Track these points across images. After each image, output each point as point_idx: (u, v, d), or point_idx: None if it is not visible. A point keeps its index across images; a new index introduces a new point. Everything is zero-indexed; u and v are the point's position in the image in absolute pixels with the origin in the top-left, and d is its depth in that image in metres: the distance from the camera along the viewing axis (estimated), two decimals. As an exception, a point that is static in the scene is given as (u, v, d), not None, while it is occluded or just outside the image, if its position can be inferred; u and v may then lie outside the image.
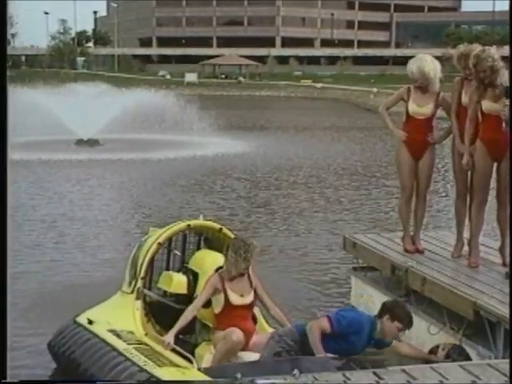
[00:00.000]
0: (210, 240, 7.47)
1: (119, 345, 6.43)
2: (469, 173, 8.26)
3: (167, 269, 7.43)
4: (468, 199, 8.45)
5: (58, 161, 24.62)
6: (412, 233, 8.84)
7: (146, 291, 7.17)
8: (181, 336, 6.86)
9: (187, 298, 7.02)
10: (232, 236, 7.24)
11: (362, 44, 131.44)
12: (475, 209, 8.12)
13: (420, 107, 8.47)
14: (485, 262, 8.11)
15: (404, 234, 8.86)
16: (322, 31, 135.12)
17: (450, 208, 14.80)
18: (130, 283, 7.18)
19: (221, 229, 7.36)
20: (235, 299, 6.46)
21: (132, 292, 7.10)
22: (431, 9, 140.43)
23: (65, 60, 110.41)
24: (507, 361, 5.65)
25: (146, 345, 6.48)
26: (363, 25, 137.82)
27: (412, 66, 8.44)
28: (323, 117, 49.38)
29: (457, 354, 6.70)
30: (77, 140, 29.61)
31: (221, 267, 6.80)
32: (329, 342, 6.08)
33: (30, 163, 24.08)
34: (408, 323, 6.32)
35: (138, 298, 7.05)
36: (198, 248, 7.53)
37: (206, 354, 6.42)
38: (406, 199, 8.75)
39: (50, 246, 13.00)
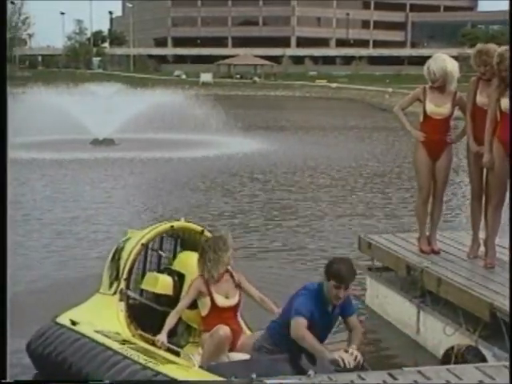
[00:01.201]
0: (187, 242, 7.36)
1: (113, 344, 6.33)
2: (484, 172, 8.24)
3: (144, 270, 7.32)
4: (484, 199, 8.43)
5: (73, 160, 24.68)
6: (428, 233, 8.81)
7: (129, 292, 7.08)
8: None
9: (170, 300, 6.96)
10: (209, 234, 7.16)
11: (378, 44, 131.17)
12: (492, 209, 8.08)
13: (438, 107, 8.44)
14: (501, 263, 8.06)
15: (420, 234, 8.82)
16: (337, 31, 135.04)
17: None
18: (111, 284, 7.08)
19: (202, 231, 7.25)
20: (221, 301, 6.40)
21: (114, 293, 7.00)
22: (447, 8, 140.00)
23: (80, 60, 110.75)
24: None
25: (138, 344, 6.43)
26: (379, 25, 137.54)
27: (433, 66, 8.38)
28: (339, 117, 49.27)
29: (472, 355, 6.67)
30: (92, 139, 29.70)
31: None
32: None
33: (45, 162, 24.20)
34: (340, 277, 5.74)
35: (121, 300, 6.96)
36: (175, 250, 7.44)
37: (195, 355, 6.27)
38: (423, 200, 8.72)
39: (62, 245, 12.99)
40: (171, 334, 6.80)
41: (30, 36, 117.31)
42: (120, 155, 25.79)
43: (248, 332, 6.74)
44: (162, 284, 7.01)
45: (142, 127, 29.81)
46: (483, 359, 6.64)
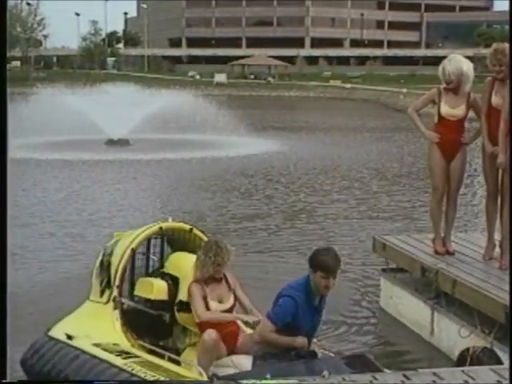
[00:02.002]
0: (176, 241, 7.24)
1: (116, 360, 6.09)
2: (500, 173, 8.21)
3: (132, 274, 7.11)
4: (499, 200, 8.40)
5: (87, 161, 24.77)
6: (443, 234, 8.78)
7: (123, 300, 6.86)
8: (161, 342, 6.78)
9: (164, 303, 6.84)
10: (203, 236, 7.12)
11: (392, 44, 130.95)
12: (508, 210, 8.05)
13: (453, 108, 8.42)
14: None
15: (435, 235, 8.80)
16: (351, 31, 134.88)
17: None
18: (103, 292, 6.85)
19: (191, 229, 7.15)
20: (215, 307, 6.35)
21: (107, 301, 6.77)
22: (462, 8, 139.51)
23: (95, 61, 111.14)
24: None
25: (141, 357, 6.24)
26: (393, 25, 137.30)
27: (448, 67, 8.34)
28: (354, 117, 49.22)
29: (487, 357, 6.67)
30: (107, 140, 29.78)
31: None
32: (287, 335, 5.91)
33: (59, 163, 24.26)
34: (326, 267, 5.71)
35: (115, 308, 6.74)
36: (162, 251, 7.26)
37: (194, 360, 6.23)
38: (438, 200, 8.70)
39: (75, 249, 12.95)
40: (167, 336, 6.85)
41: (46, 37, 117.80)
42: (135, 156, 25.85)
43: (247, 330, 6.70)
44: (158, 289, 6.83)
45: (157, 127, 29.89)
46: (498, 361, 6.62)
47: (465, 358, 6.71)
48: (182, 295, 6.68)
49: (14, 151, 26.59)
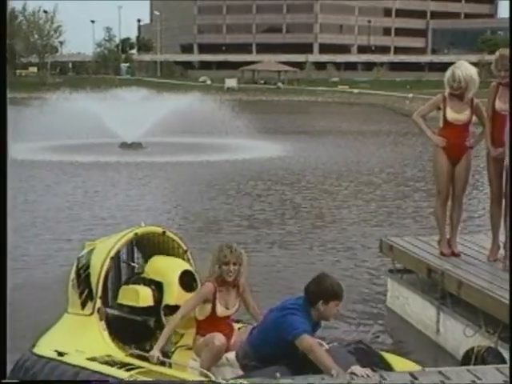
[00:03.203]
0: (146, 245, 7.06)
1: (120, 374, 5.86)
2: (504, 177, 8.19)
3: (113, 283, 6.91)
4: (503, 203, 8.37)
5: (102, 163, 24.84)
6: (448, 236, 8.76)
7: (109, 310, 6.69)
8: (147, 347, 6.60)
9: (149, 309, 6.71)
10: (176, 238, 7.02)
11: (399, 50, 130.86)
12: (509, 212, 8.03)
13: (458, 114, 8.41)
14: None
15: (440, 237, 8.79)
16: (358, 38, 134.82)
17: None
18: (84, 304, 6.59)
19: (164, 232, 6.99)
20: (221, 312, 6.24)
21: (91, 313, 6.52)
22: (467, 15, 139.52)
23: (109, 66, 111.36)
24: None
25: (142, 367, 6.03)
26: (400, 31, 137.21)
27: (459, 74, 8.31)
28: (361, 121, 49.20)
29: (492, 356, 6.64)
30: (121, 143, 29.88)
31: (186, 271, 6.70)
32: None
33: (74, 165, 24.33)
34: (340, 294, 5.63)
35: (101, 319, 6.51)
36: (133, 256, 7.10)
37: (190, 361, 6.18)
38: (442, 203, 8.69)
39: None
40: (151, 340, 6.66)
41: (62, 43, 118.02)
42: (148, 158, 25.89)
43: (237, 327, 6.60)
44: (144, 297, 6.67)
45: (169, 131, 29.92)
46: (503, 361, 6.60)
47: (470, 358, 6.69)
48: (168, 299, 6.63)
49: (30, 154, 26.72)
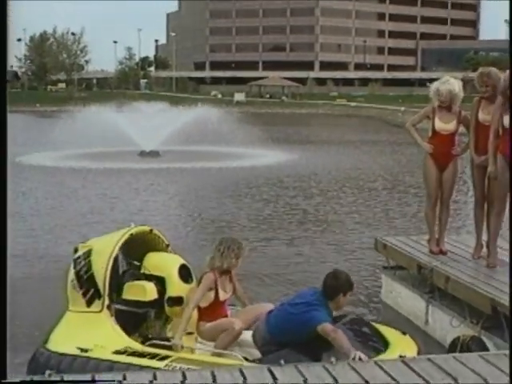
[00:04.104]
0: (134, 244, 6.88)
1: (156, 364, 5.75)
2: (486, 182, 8.19)
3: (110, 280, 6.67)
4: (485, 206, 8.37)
5: (122, 169, 24.83)
6: (437, 236, 8.75)
7: (117, 306, 6.58)
8: (149, 335, 6.61)
9: (150, 302, 6.69)
10: (161, 235, 7.06)
11: (391, 68, 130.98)
12: (495, 216, 8.00)
13: (445, 124, 8.40)
14: (502, 263, 7.98)
15: (430, 236, 8.76)
16: (355, 56, 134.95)
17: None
18: (91, 302, 6.44)
19: (151, 230, 7.01)
20: (222, 296, 6.39)
21: (101, 310, 6.39)
22: (453, 37, 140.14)
23: (130, 82, 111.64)
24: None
25: (171, 355, 5.93)
26: (392, 51, 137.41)
27: (443, 88, 8.31)
28: (359, 132, 49.07)
29: (476, 344, 6.65)
30: (140, 151, 29.86)
31: (183, 265, 6.79)
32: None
33: (98, 171, 24.36)
34: (353, 285, 5.87)
35: (112, 315, 6.42)
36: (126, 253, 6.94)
37: (197, 345, 6.21)
38: (432, 206, 8.66)
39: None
40: (151, 329, 6.71)
41: (87, 62, 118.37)
42: (164, 165, 25.90)
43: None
44: (150, 292, 6.66)
45: (184, 140, 29.91)
46: (485, 348, 6.60)
47: (456, 346, 6.70)
48: (171, 292, 6.66)
49: (58, 161, 26.79)
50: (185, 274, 6.82)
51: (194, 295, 6.31)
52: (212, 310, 6.33)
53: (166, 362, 5.79)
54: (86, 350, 6.02)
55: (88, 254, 6.58)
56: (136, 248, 6.89)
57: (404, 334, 6.26)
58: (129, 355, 5.96)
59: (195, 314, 6.45)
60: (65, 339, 6.31)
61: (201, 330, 6.34)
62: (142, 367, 5.63)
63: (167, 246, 7.12)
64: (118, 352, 6.01)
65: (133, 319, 6.70)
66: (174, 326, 6.67)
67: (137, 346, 6.16)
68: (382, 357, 5.57)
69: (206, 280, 6.30)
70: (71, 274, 6.58)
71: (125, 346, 6.11)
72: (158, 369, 5.50)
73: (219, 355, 6.04)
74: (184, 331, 6.15)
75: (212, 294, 6.32)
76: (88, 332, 6.29)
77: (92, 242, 6.77)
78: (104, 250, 6.58)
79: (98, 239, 6.86)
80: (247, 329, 6.29)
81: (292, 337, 5.79)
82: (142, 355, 5.95)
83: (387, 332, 6.21)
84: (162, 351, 6.04)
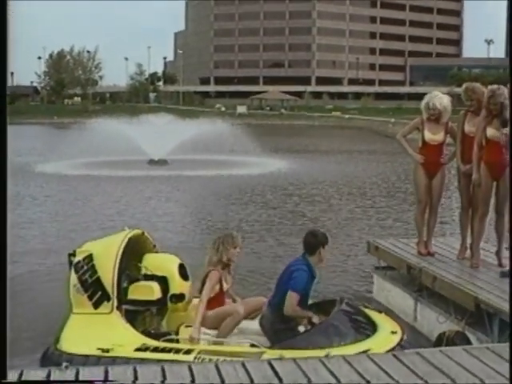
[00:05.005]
0: (126, 246, 6.68)
1: (185, 358, 5.66)
2: (471, 189, 8.20)
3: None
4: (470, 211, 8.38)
5: (134, 176, 24.83)
6: (425, 238, 8.75)
7: (127, 306, 6.53)
8: (152, 331, 6.56)
9: (156, 301, 6.67)
10: (149, 237, 7.09)
11: (382, 83, 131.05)
12: (478, 219, 8.02)
13: (434, 135, 8.40)
14: (484, 264, 8.01)
15: (419, 239, 8.75)
16: (349, 72, 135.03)
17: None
18: (98, 304, 6.27)
19: (143, 232, 7.03)
20: (225, 287, 6.55)
21: (111, 311, 6.26)
22: (438, 54, 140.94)
23: (140, 96, 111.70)
24: (502, 344, 5.60)
25: (194, 348, 5.86)
26: (383, 67, 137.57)
27: (434, 101, 8.31)
28: (353, 142, 48.91)
29: (460, 339, 6.65)
30: (149, 160, 29.88)
31: (181, 264, 6.90)
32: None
33: (111, 178, 24.36)
34: (327, 238, 6.34)
35: (122, 315, 6.33)
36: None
37: (201, 335, 6.22)
38: (421, 211, 8.64)
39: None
40: (151, 325, 6.67)
41: (101, 77, 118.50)
42: (172, 173, 25.91)
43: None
44: (157, 291, 6.66)
45: (190, 150, 29.91)
46: (469, 342, 6.61)
47: (442, 340, 6.69)
48: (174, 290, 6.73)
49: (73, 169, 26.80)
50: (183, 272, 6.90)
51: (205, 291, 6.34)
52: (216, 300, 6.42)
53: (193, 355, 5.75)
54: (108, 350, 5.82)
55: (89, 258, 6.40)
56: (131, 250, 6.82)
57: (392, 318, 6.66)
58: (154, 351, 5.83)
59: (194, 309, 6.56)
60: (78, 341, 6.08)
61: (204, 318, 6.35)
62: (175, 362, 5.38)
63: (154, 246, 7.16)
64: (139, 349, 5.87)
65: (138, 318, 6.69)
66: (171, 320, 6.69)
67: (153, 343, 6.03)
68: (370, 339, 5.94)
69: (213, 277, 6.39)
70: (73, 279, 6.38)
71: (142, 344, 5.98)
72: (189, 362, 5.33)
73: (239, 345, 6.08)
74: (199, 325, 6.17)
75: (217, 287, 6.44)
76: (102, 333, 6.11)
77: (89, 247, 6.57)
78: (107, 254, 6.43)
79: (94, 244, 6.65)
80: (245, 318, 6.42)
81: (281, 299, 6.13)
82: (165, 350, 5.86)
83: (375, 316, 6.48)
84: (182, 345, 6.02)
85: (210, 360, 5.49)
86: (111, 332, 6.13)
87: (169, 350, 5.86)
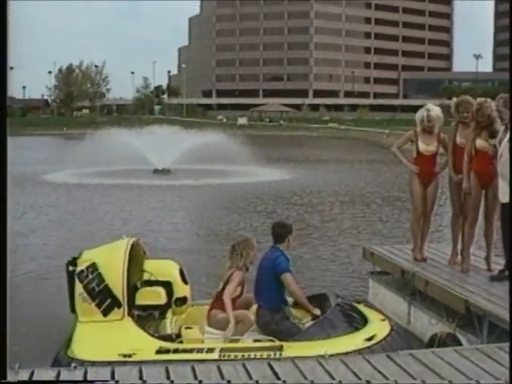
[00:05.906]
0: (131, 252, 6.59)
1: (210, 356, 5.60)
2: (462, 197, 8.20)
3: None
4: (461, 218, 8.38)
5: (139, 185, 24.79)
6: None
7: (137, 312, 6.45)
8: (155, 334, 6.35)
9: (162, 305, 6.66)
10: (142, 244, 7.01)
11: (377, 95, 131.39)
12: (468, 226, 8.02)
13: (428, 146, 8.41)
14: (474, 268, 8.00)
15: (414, 245, 8.72)
16: (345, 85, 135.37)
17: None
18: (108, 311, 6.10)
19: (138, 240, 6.92)
20: (243, 289, 6.66)
21: (122, 317, 6.09)
22: (430, 69, 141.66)
23: (145, 108, 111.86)
24: (491, 345, 5.61)
25: (216, 347, 5.81)
26: (377, 80, 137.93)
27: (433, 114, 8.32)
28: (350, 152, 48.88)
29: (451, 340, 6.65)
30: (154, 169, 29.90)
31: (180, 269, 6.94)
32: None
33: (117, 186, 24.34)
34: (292, 227, 6.79)
35: (134, 320, 6.20)
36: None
37: (206, 335, 6.28)
38: (417, 218, 8.62)
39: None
40: (155, 328, 6.55)
41: (108, 90, 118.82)
42: (176, 182, 25.88)
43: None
44: (164, 295, 6.65)
45: (193, 160, 29.85)
46: (459, 343, 6.61)
47: (434, 341, 6.70)
48: (178, 293, 6.75)
49: (80, 178, 26.81)
50: (183, 276, 6.94)
51: (228, 290, 6.39)
52: (233, 301, 6.42)
53: (216, 353, 5.70)
54: (130, 355, 5.60)
55: (93, 267, 6.21)
56: (131, 257, 6.68)
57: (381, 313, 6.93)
58: (175, 353, 5.72)
59: (198, 309, 6.73)
60: (94, 348, 5.80)
61: (214, 319, 6.39)
62: (199, 361, 5.19)
63: (144, 253, 7.09)
64: (160, 352, 5.73)
65: (141, 322, 6.56)
66: (172, 322, 6.68)
67: (170, 345, 5.89)
68: (370, 327, 6.27)
69: (238, 276, 6.49)
70: (79, 288, 6.16)
71: (159, 346, 5.82)
72: (216, 360, 5.30)
73: (256, 341, 6.14)
74: (233, 324, 6.20)
75: (239, 289, 6.50)
76: (117, 339, 5.92)
77: (90, 256, 6.36)
78: (113, 261, 6.28)
79: (94, 252, 6.45)
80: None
81: (272, 291, 6.38)
82: (187, 351, 5.77)
83: (367, 311, 6.78)
84: (203, 345, 6.03)
85: (236, 356, 5.55)
86: (126, 337, 5.95)
87: (190, 351, 5.79)
